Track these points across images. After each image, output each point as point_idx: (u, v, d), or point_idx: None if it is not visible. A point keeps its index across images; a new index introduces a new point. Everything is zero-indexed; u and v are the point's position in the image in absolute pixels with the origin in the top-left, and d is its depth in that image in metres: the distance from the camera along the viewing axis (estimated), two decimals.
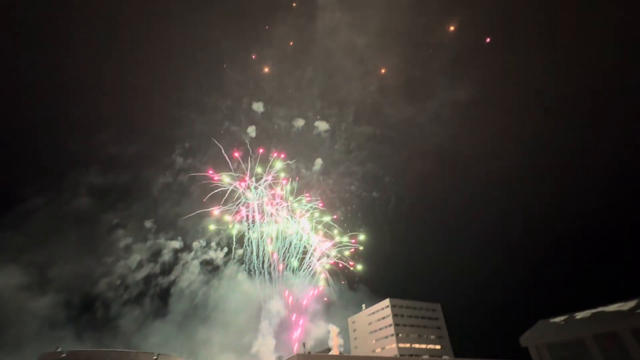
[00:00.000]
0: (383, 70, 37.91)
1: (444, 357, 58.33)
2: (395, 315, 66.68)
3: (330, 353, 51.96)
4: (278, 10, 34.62)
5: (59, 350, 29.51)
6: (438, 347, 65.24)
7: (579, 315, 22.19)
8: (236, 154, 32.07)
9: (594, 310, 21.63)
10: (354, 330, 78.59)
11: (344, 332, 79.15)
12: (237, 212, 35.98)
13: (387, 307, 68.70)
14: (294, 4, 36.55)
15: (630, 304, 19.71)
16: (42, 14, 32.87)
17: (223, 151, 33.09)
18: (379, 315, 70.55)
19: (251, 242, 34.25)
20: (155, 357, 28.67)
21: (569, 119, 34.08)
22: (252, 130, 37.93)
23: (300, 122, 41.70)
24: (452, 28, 33.49)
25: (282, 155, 33.53)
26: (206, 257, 38.48)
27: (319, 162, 38.75)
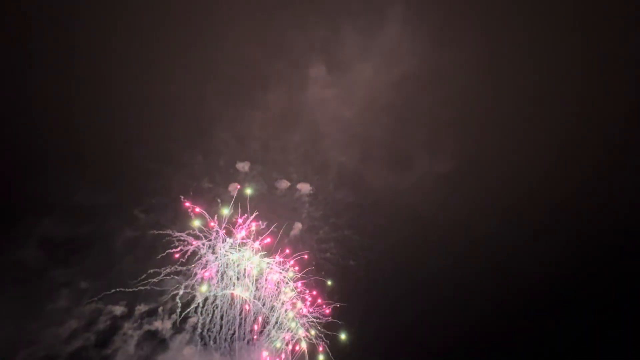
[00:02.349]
0: (366, 140, 41.73)
1: None
2: None
3: None
4: (272, 77, 37.88)
5: None
6: None
7: None
8: (198, 210, 30.94)
9: None
10: None
11: None
12: (201, 271, 33.15)
13: None
14: (286, 73, 40.00)
15: None
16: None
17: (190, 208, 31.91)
18: None
19: (211, 307, 30.70)
20: None
21: (542, 195, 38.36)
22: (234, 189, 37.89)
23: (284, 184, 42.82)
24: (429, 103, 38.46)
25: (257, 223, 32.89)
26: (151, 327, 32.95)
27: (297, 226, 39.01)
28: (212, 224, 31.48)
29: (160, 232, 30.97)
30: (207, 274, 32.31)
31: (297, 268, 36.52)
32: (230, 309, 32.95)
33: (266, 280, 34.41)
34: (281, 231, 36.86)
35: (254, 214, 34.59)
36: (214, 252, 31.93)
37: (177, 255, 31.37)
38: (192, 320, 32.50)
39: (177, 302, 30.94)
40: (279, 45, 38.47)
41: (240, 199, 34.85)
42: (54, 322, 29.39)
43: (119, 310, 31.10)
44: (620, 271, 36.78)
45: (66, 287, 30.20)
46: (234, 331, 33.26)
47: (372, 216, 42.22)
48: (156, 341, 29.87)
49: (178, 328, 32.29)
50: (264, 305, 34.31)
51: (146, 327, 31.25)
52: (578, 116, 38.27)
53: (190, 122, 37.91)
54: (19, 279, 29.29)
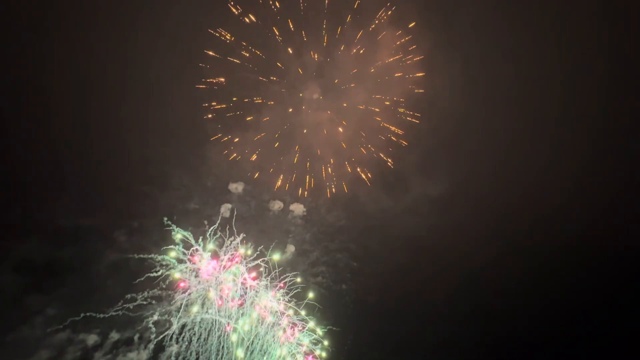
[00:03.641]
0: (358, 163, 41.66)
1: None
2: None
3: None
4: (268, 99, 38.15)
5: None
6: None
7: None
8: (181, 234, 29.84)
9: None
10: None
11: None
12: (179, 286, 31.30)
13: None
14: (283, 90, 40.52)
15: None
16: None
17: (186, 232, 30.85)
18: None
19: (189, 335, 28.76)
20: None
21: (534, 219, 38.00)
22: (225, 210, 36.98)
23: (277, 205, 42.20)
24: (417, 121, 38.63)
25: (247, 243, 31.98)
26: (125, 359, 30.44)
27: (290, 248, 38.00)
28: (196, 247, 30.50)
29: (142, 255, 29.91)
30: (182, 284, 30.87)
31: (284, 292, 35.31)
32: (209, 336, 31.37)
33: (252, 304, 33.05)
34: (269, 253, 35.87)
35: (242, 236, 33.71)
36: (197, 276, 30.75)
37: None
38: (170, 349, 30.79)
39: (153, 330, 29.33)
40: (274, 67, 39.06)
41: (231, 220, 34.09)
42: (22, 353, 27.73)
43: (92, 339, 29.46)
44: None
45: (37, 314, 28.70)
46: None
47: (364, 239, 41.50)
48: None
49: (154, 358, 30.51)
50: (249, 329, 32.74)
51: (120, 358, 29.52)
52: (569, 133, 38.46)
53: (181, 143, 37.78)
54: None
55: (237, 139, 40.12)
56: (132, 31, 34.42)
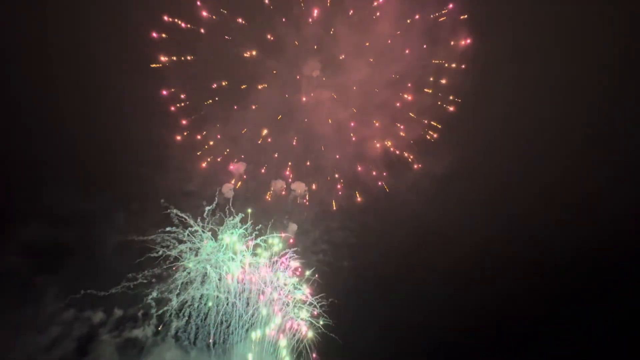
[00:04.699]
0: (358, 140, 40.57)
1: None
2: None
3: None
4: (266, 75, 37.07)
5: None
6: None
7: None
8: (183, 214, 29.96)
9: None
10: None
11: None
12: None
13: None
14: (274, 72, 39.00)
15: None
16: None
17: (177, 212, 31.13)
18: None
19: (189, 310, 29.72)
20: None
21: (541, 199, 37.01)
22: (227, 190, 36.95)
23: (278, 184, 42.14)
24: (409, 98, 37.00)
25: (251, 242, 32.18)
26: (130, 334, 31.70)
27: (292, 227, 38.13)
28: (196, 227, 30.98)
29: (143, 237, 30.54)
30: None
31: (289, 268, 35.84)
32: (209, 311, 32.42)
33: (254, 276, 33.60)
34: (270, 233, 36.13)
35: (241, 216, 33.92)
36: (197, 255, 31.42)
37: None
38: (174, 324, 32.12)
39: (155, 307, 30.46)
40: (273, 43, 37.62)
41: (232, 201, 34.30)
42: (31, 330, 29.34)
43: (97, 317, 30.91)
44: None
45: (44, 293, 30.05)
46: (212, 332, 32.63)
47: (367, 218, 41.46)
48: (137, 347, 29.59)
49: (159, 333, 31.94)
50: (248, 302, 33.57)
51: (126, 333, 31.00)
52: (575, 115, 36.83)
53: (180, 122, 37.48)
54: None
55: (236, 117, 39.37)
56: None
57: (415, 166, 39.93)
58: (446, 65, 37.24)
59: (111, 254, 30.59)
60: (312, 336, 35.40)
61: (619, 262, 35.02)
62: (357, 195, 42.28)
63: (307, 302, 34.73)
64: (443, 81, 37.78)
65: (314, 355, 35.54)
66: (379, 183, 41.63)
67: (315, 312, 35.40)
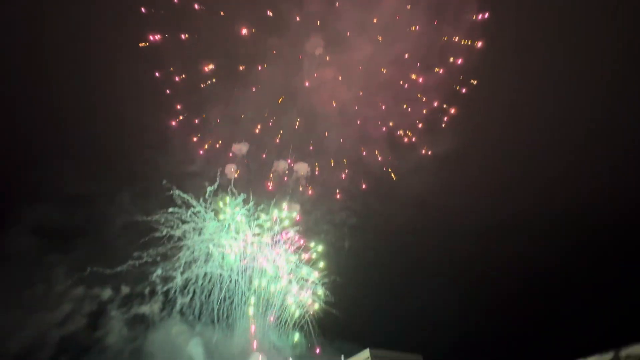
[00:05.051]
0: (362, 122, 39.85)
1: None
2: None
3: None
4: (267, 55, 36.14)
5: None
6: None
7: None
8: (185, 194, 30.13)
9: None
10: None
11: None
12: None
13: (367, 358, 65.81)
14: (274, 52, 37.87)
15: (607, 356, 20.00)
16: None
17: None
18: None
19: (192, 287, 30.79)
20: None
21: (545, 176, 36.35)
22: (230, 171, 36.81)
23: (281, 165, 42.09)
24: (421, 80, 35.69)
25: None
26: (138, 310, 32.93)
27: (295, 207, 38.26)
28: (198, 208, 31.45)
29: (146, 217, 31.13)
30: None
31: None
32: (213, 288, 33.45)
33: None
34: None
35: (244, 196, 34.17)
36: (200, 235, 32.07)
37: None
38: (179, 301, 33.39)
39: (160, 284, 31.50)
40: (273, 20, 36.29)
41: (234, 181, 34.54)
42: (43, 307, 30.74)
43: (106, 293, 32.21)
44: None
45: (53, 273, 31.16)
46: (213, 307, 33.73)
47: (369, 198, 41.48)
48: (144, 323, 30.98)
49: (165, 308, 33.26)
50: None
51: (134, 309, 32.31)
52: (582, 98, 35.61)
53: (182, 103, 37.17)
54: (13, 264, 30.42)
55: (238, 97, 38.75)
56: None
57: (422, 151, 39.22)
58: (462, 42, 35.44)
59: (117, 234, 31.38)
60: (316, 310, 36.50)
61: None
62: (361, 178, 42.00)
63: (310, 281, 35.56)
64: (454, 60, 36.15)
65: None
66: (384, 168, 41.20)
67: (318, 290, 36.28)
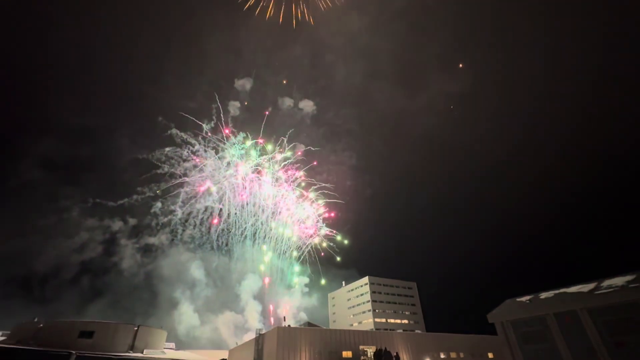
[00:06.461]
0: (376, 53, 37.13)
1: (417, 331, 62.03)
2: (373, 292, 69.69)
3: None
4: None
5: (35, 320, 29.22)
6: (412, 322, 69.27)
7: (544, 295, 23.88)
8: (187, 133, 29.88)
9: (557, 291, 23.31)
10: (333, 305, 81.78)
11: (324, 308, 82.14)
12: (200, 185, 34.13)
13: (366, 284, 71.56)
14: None
15: (590, 286, 21.35)
16: None
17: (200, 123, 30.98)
18: (357, 292, 73.54)
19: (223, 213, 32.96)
20: (136, 328, 28.96)
21: (557, 116, 34.65)
22: (234, 108, 35.80)
23: (287, 102, 40.64)
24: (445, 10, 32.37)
25: (261, 141, 32.41)
26: (151, 240, 35.49)
27: (301, 146, 37.76)
28: (198, 147, 31.43)
29: (148, 154, 31.37)
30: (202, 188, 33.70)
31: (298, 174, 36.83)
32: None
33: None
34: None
35: (247, 134, 33.87)
36: (201, 170, 32.66)
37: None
38: (183, 231, 35.55)
39: (164, 217, 33.04)
40: None
41: (239, 119, 33.96)
42: (60, 235, 33.01)
43: (116, 225, 34.29)
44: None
45: (63, 204, 32.73)
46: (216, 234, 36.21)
47: (376, 138, 41.01)
48: (153, 251, 33.66)
49: (172, 239, 35.61)
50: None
51: (144, 239, 34.58)
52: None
53: (180, 35, 34.84)
54: (26, 195, 31.82)
55: (238, 28, 36.14)
56: None
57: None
58: None
59: (120, 169, 32.06)
60: (317, 242, 38.80)
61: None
62: (367, 113, 40.87)
63: (310, 217, 36.99)
64: None
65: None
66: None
67: (319, 225, 37.95)
